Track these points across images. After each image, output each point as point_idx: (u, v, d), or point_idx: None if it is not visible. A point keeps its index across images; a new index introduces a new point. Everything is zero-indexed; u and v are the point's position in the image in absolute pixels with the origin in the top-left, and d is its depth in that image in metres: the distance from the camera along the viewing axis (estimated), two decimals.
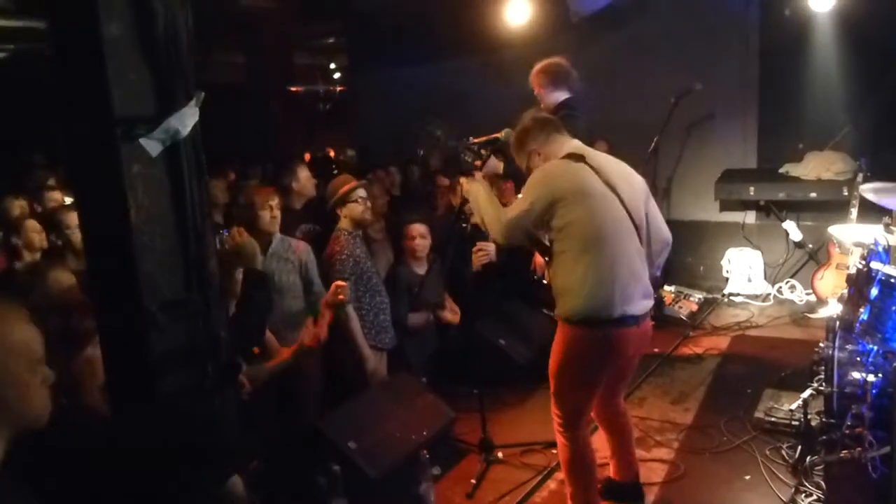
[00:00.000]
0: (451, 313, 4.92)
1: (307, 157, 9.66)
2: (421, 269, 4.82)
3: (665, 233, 3.22)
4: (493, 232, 3.10)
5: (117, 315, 2.10)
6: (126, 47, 2.02)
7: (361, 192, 4.36)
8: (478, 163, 4.13)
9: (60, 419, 2.21)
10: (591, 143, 4.96)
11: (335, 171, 7.56)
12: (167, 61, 2.07)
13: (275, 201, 4.07)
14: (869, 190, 3.71)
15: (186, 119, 2.00)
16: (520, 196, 3.09)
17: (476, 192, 3.22)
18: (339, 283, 3.72)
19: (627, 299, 2.86)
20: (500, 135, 3.87)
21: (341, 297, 3.68)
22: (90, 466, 2.05)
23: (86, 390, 2.30)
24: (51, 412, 1.96)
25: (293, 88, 11.18)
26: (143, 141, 1.94)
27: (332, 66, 12.16)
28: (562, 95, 4.64)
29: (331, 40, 11.75)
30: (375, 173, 6.81)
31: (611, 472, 3.48)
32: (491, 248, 4.55)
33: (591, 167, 2.96)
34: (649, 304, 3.00)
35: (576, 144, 3.13)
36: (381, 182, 6.01)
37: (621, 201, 2.93)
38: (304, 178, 5.41)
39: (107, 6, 1.98)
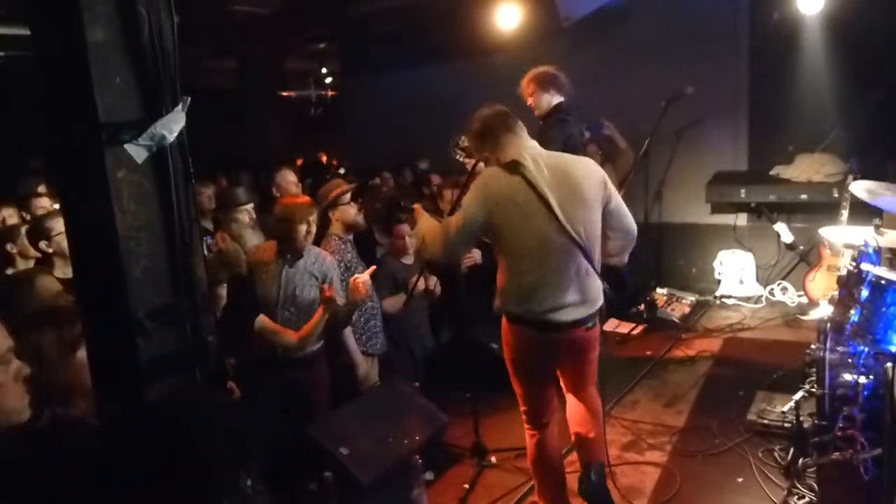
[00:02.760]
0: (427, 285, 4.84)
1: (299, 162, 9.63)
2: (408, 261, 4.83)
3: (626, 225, 3.21)
4: (436, 247, 3.12)
5: (105, 321, 2.08)
6: (111, 52, 2.00)
7: (353, 195, 4.37)
8: (468, 161, 4.17)
9: (55, 428, 2.19)
10: (584, 149, 5.06)
11: (328, 178, 7.54)
12: (153, 66, 2.05)
13: (313, 216, 3.83)
14: (861, 189, 3.70)
15: (173, 124, 1.98)
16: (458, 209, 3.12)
17: (420, 223, 3.28)
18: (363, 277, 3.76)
19: (552, 309, 2.96)
20: None
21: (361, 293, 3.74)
22: (82, 474, 2.04)
23: (78, 397, 2.28)
24: (35, 410, 1.93)
25: (285, 93, 11.15)
26: (128, 147, 1.93)
27: (324, 70, 12.14)
28: (555, 98, 4.74)
29: (322, 45, 11.74)
30: (381, 177, 6.80)
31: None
32: (476, 251, 4.55)
33: (528, 180, 2.93)
34: (586, 310, 3.04)
35: (520, 152, 3.02)
36: (387, 186, 5.98)
37: (556, 217, 2.91)
38: (285, 183, 5.42)
39: (91, 11, 1.97)
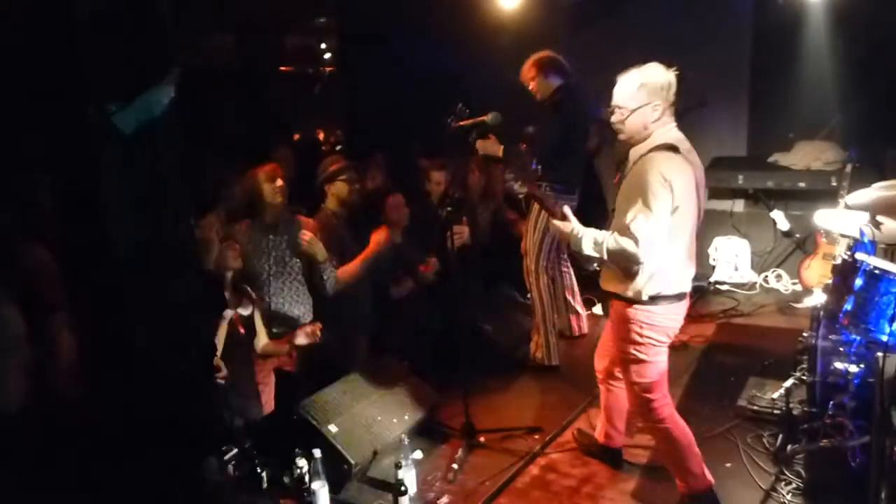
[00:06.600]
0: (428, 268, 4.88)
1: (296, 137, 9.57)
2: (397, 239, 4.78)
3: None
4: (633, 259, 2.93)
5: (96, 301, 2.06)
6: (101, 25, 1.97)
7: (351, 173, 4.36)
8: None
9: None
10: (586, 133, 5.04)
11: (325, 154, 7.47)
12: (143, 39, 2.02)
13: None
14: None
15: (162, 96, 1.95)
16: (641, 196, 2.89)
17: (579, 235, 3.07)
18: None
19: (687, 279, 3.15)
20: (487, 118, 3.86)
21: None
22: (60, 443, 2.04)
23: (52, 368, 2.25)
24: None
25: (283, 68, 11.04)
26: (116, 119, 1.90)
27: (323, 46, 12.02)
28: (556, 81, 4.74)
29: (322, 20, 11.61)
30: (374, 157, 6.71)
31: (598, 434, 3.76)
32: (464, 230, 4.55)
33: (689, 162, 3.03)
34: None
35: (677, 135, 3.11)
36: (380, 166, 5.92)
37: (698, 197, 3.06)
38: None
39: None
